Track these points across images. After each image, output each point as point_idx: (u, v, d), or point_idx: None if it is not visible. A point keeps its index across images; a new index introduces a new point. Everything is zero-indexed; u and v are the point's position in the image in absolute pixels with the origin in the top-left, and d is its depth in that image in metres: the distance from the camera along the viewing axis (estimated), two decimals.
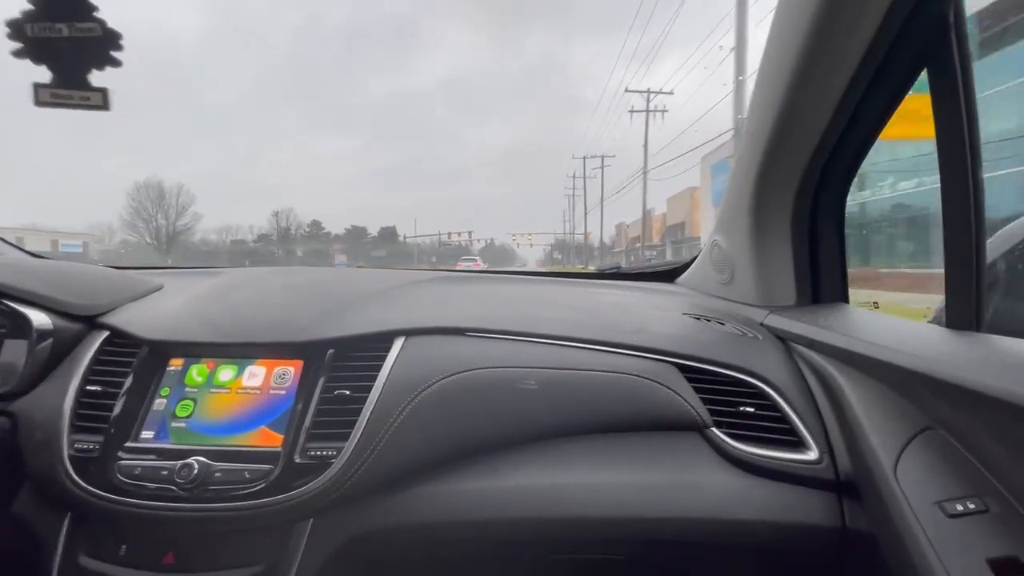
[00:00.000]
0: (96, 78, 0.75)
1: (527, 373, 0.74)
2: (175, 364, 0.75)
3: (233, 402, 0.71)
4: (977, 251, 0.58)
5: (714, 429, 0.70)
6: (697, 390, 0.73)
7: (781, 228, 0.89)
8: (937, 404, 0.55)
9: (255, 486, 0.64)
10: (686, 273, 1.21)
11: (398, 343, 0.76)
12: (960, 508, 0.49)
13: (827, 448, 0.67)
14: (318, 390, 0.70)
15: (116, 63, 0.73)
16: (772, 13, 0.73)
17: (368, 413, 0.68)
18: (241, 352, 0.75)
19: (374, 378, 0.71)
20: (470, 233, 36.74)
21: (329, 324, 0.77)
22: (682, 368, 0.75)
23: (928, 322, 0.70)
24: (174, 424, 0.70)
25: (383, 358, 0.73)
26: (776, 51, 0.74)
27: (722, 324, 0.87)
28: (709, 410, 0.72)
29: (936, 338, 0.61)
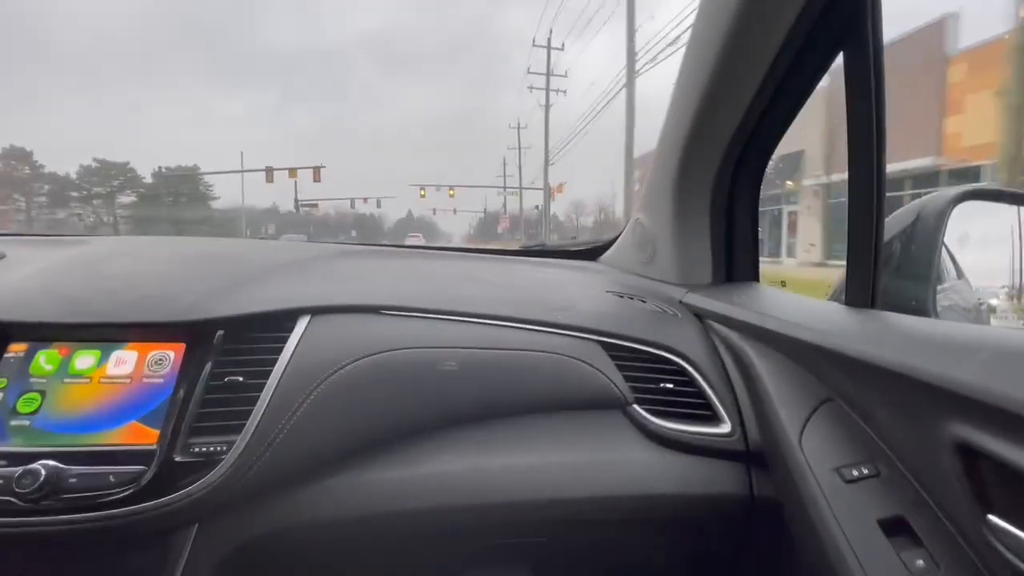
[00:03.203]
0: None
1: (447, 353, 0.69)
2: (15, 350, 0.62)
3: (94, 394, 0.60)
4: (876, 234, 0.61)
5: (635, 406, 0.71)
6: (619, 367, 0.73)
7: (701, 209, 0.90)
8: (836, 376, 0.58)
9: (123, 491, 0.54)
10: (609, 251, 1.22)
11: (302, 322, 0.68)
12: (855, 473, 0.52)
13: (739, 421, 0.70)
14: (204, 376, 0.61)
15: None
16: None
17: (265, 401, 0.60)
18: (104, 334, 0.64)
19: (273, 362, 0.63)
20: (317, 169, 21.18)
21: (220, 301, 0.67)
22: (605, 346, 0.75)
23: (828, 299, 0.75)
24: (14, 422, 0.58)
25: (284, 339, 0.65)
26: (701, 32, 0.74)
27: (643, 302, 0.88)
28: (631, 387, 0.72)
29: (836, 314, 0.65)
